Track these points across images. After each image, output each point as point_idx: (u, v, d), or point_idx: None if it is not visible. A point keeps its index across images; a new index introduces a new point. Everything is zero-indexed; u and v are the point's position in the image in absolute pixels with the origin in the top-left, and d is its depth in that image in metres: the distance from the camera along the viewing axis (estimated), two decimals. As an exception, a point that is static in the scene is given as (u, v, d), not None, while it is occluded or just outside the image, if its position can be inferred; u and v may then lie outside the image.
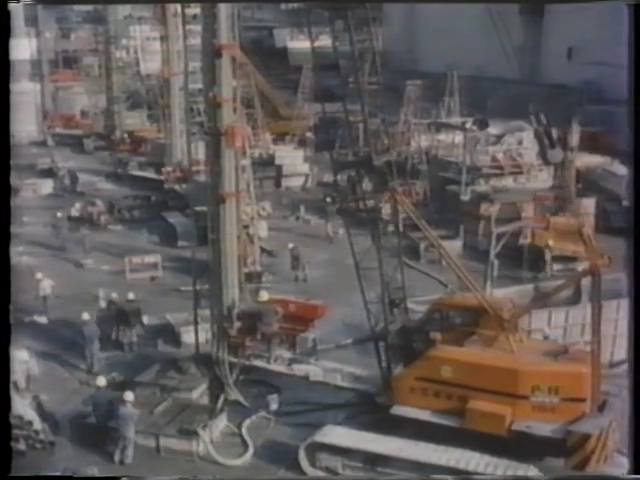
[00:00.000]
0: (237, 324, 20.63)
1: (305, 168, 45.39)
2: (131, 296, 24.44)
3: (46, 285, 26.47)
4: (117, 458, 17.88)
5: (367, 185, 18.75)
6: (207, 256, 20.98)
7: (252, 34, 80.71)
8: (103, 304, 25.48)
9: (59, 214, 35.34)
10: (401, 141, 42.56)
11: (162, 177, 42.77)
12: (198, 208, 30.72)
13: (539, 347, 18.38)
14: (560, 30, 62.26)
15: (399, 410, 17.90)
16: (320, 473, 17.30)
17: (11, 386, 15.72)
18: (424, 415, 17.64)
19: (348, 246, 18.67)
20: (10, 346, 14.28)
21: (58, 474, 17.00)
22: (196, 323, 21.66)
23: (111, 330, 23.95)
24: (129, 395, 18.16)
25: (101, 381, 19.20)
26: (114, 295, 25.01)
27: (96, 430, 18.52)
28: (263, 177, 41.39)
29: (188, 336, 23.07)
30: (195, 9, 33.06)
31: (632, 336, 14.73)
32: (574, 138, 32.07)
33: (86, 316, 23.11)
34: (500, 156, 39.64)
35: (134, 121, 53.79)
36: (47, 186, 43.93)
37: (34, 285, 26.12)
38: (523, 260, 29.23)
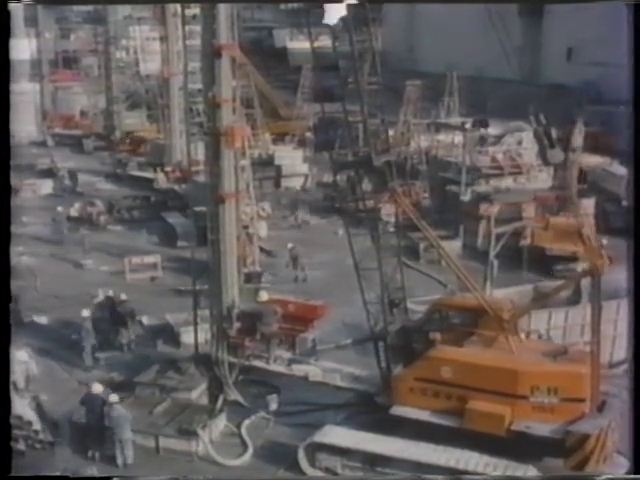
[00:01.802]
0: (236, 324, 20.66)
1: (304, 168, 45.28)
2: (123, 297, 24.33)
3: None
4: (120, 462, 17.75)
5: (367, 185, 18.73)
6: (207, 256, 20.98)
7: (252, 34, 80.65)
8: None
9: (59, 208, 35.36)
10: (401, 141, 42.53)
11: (155, 177, 42.79)
12: (198, 208, 30.70)
13: (538, 347, 18.36)
14: (560, 30, 62.30)
15: (398, 410, 17.90)
16: (319, 473, 17.29)
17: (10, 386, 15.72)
18: (423, 415, 17.64)
19: (347, 246, 18.66)
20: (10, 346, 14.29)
21: (58, 474, 17.00)
22: (196, 323, 21.63)
23: (109, 330, 23.92)
24: (114, 397, 18.03)
25: (97, 388, 18.62)
26: (110, 292, 24.89)
27: (93, 431, 18.43)
28: (263, 177, 41.28)
29: (187, 336, 23.03)
30: (195, 9, 33.03)
31: (632, 336, 14.75)
32: (577, 139, 31.94)
33: (86, 313, 23.09)
34: (500, 156, 39.51)
35: (133, 121, 53.64)
36: (47, 186, 43.80)
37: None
38: (523, 260, 29.18)
